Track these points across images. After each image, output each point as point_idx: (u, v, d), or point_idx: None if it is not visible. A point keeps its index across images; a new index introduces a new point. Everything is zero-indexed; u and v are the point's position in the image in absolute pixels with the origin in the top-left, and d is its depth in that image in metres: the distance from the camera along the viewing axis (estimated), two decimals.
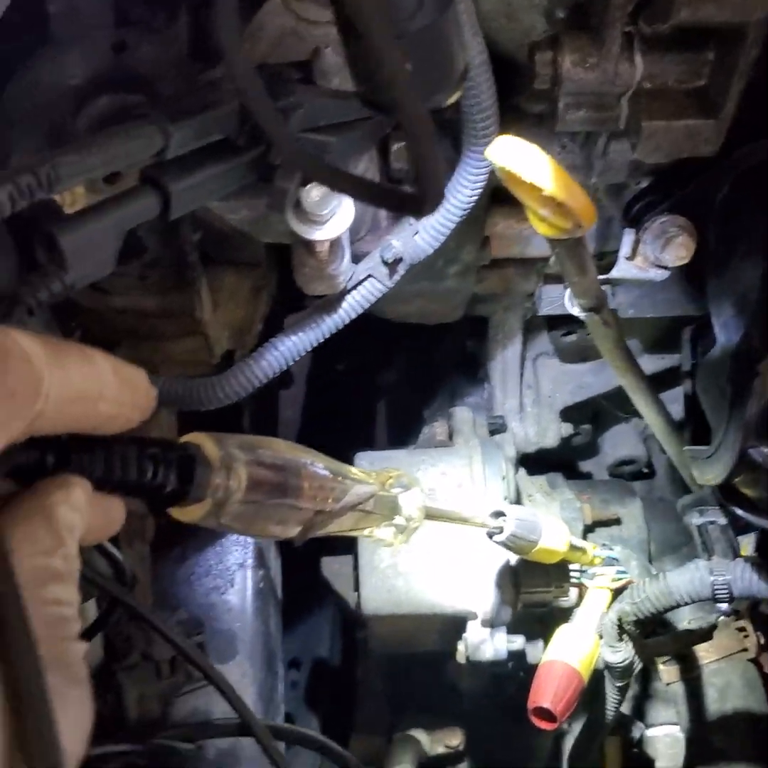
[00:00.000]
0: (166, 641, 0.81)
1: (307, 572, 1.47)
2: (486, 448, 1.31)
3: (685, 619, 1.33)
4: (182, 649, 0.81)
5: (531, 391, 1.41)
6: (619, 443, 1.61)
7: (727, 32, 0.79)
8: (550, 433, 1.42)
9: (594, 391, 1.45)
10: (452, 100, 0.68)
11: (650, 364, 1.43)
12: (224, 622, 1.23)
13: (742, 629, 1.44)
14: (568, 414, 1.46)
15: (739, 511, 0.99)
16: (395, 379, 1.86)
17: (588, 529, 1.42)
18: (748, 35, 0.77)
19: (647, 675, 1.48)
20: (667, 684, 1.44)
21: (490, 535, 1.07)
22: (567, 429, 1.44)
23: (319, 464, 0.78)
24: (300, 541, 0.77)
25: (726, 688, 1.40)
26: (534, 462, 1.51)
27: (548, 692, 1.13)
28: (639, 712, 1.51)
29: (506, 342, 1.37)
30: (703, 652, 1.41)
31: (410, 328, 1.50)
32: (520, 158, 0.72)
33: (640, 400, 1.17)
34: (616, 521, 1.45)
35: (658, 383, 1.27)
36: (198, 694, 0.98)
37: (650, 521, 1.48)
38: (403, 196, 0.60)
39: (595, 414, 1.57)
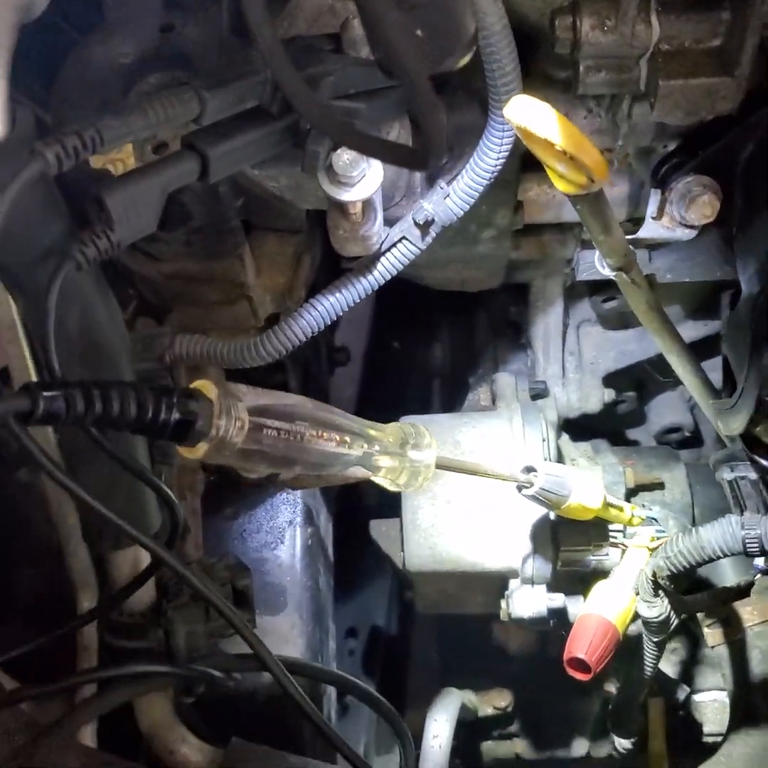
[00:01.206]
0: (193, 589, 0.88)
1: (363, 542, 1.52)
2: (526, 410, 1.35)
3: (727, 576, 1.35)
4: (205, 594, 0.88)
5: (573, 357, 1.44)
6: (666, 411, 1.63)
7: None
8: (593, 398, 1.45)
9: (636, 357, 1.47)
10: (462, 63, 0.72)
11: (693, 330, 1.45)
12: (275, 576, 1.30)
13: None
14: (611, 380, 1.48)
15: (763, 461, 1.01)
16: (445, 351, 1.90)
17: (631, 493, 1.44)
18: None
19: (693, 639, 1.50)
20: (712, 647, 1.46)
21: (520, 489, 1.11)
22: (610, 395, 1.46)
23: (331, 433, 0.86)
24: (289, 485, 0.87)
25: None
26: (581, 429, 1.54)
27: (583, 643, 1.16)
28: (685, 676, 1.53)
29: (547, 308, 1.40)
30: (747, 615, 1.43)
31: (455, 298, 1.55)
32: (534, 115, 0.76)
33: (675, 360, 1.19)
34: (660, 485, 1.47)
35: (701, 349, 1.29)
36: None
37: (695, 486, 1.49)
38: (408, 151, 0.64)
39: (641, 382, 1.59)
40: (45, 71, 1.02)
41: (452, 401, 1.75)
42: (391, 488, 1.00)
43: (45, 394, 0.68)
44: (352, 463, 0.94)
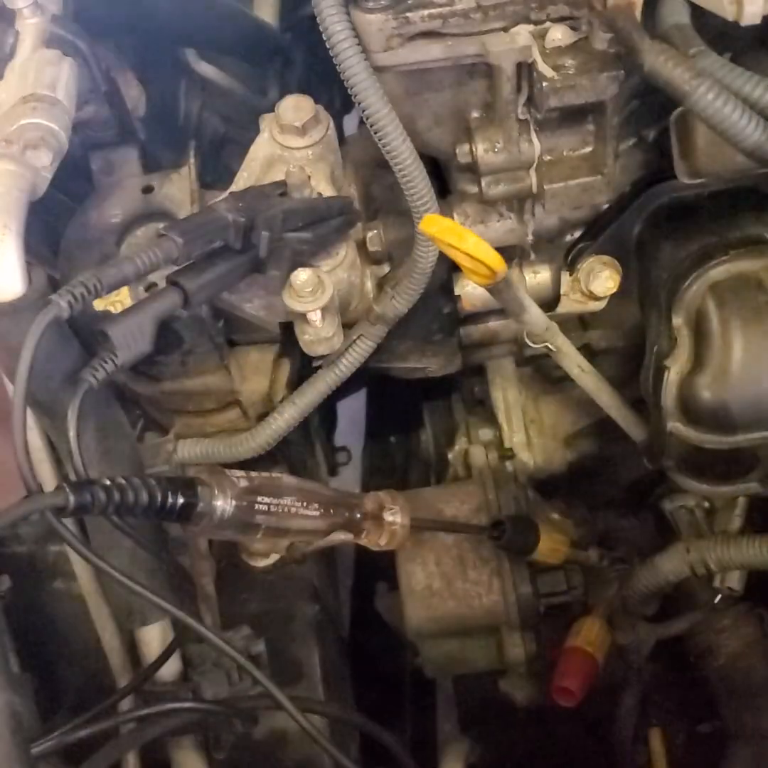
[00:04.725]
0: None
1: None
2: (497, 475, 1.52)
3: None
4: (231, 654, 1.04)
5: (535, 424, 1.61)
6: (633, 462, 1.77)
7: (594, 108, 1.03)
8: (556, 460, 1.62)
9: (594, 417, 1.64)
10: None
11: None
12: (287, 651, 1.45)
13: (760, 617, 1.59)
14: (572, 441, 1.65)
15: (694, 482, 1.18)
16: (431, 436, 2.07)
17: (602, 540, 1.60)
18: (607, 109, 1.01)
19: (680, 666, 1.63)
20: (698, 673, 1.60)
21: (493, 541, 1.28)
22: (572, 455, 1.63)
23: (313, 505, 1.04)
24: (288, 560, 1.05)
25: (749, 671, 1.55)
26: (554, 489, 1.70)
27: (567, 674, 1.31)
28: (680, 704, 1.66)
29: (504, 384, 1.59)
30: (724, 641, 1.57)
31: (435, 386, 1.74)
32: (440, 228, 0.96)
33: (615, 415, 1.36)
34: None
35: None
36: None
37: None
38: None
39: (603, 440, 1.75)
40: (51, 238, 1.24)
41: (439, 481, 1.92)
42: (374, 548, 1.16)
43: (74, 490, 0.85)
44: (335, 529, 1.11)
